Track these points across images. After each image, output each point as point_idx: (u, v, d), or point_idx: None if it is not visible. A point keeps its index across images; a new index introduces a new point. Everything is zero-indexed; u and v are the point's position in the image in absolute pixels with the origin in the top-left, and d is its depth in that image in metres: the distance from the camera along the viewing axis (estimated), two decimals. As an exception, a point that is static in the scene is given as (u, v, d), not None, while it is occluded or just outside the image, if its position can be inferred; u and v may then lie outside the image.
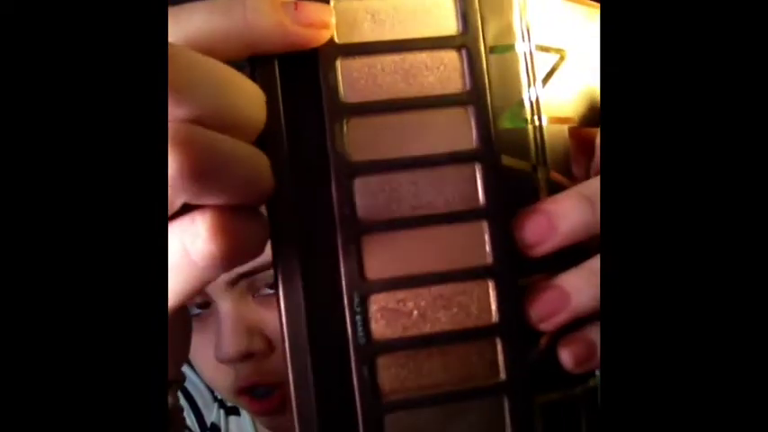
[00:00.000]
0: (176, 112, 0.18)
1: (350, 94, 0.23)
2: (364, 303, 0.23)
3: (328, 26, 0.22)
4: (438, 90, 0.23)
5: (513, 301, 0.23)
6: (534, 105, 0.24)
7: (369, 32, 0.23)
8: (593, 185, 0.23)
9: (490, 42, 0.24)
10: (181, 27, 0.20)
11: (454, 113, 0.23)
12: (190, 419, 0.71)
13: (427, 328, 0.23)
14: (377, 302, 0.23)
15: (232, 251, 0.19)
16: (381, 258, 0.23)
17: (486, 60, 0.24)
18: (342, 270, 0.22)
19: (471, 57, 0.23)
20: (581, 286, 0.22)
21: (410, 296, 0.23)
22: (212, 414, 0.73)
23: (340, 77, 0.23)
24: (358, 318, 0.22)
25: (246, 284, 0.50)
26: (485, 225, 0.23)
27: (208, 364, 0.54)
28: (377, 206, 0.23)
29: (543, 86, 0.25)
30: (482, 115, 0.23)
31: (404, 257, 0.23)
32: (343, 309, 0.22)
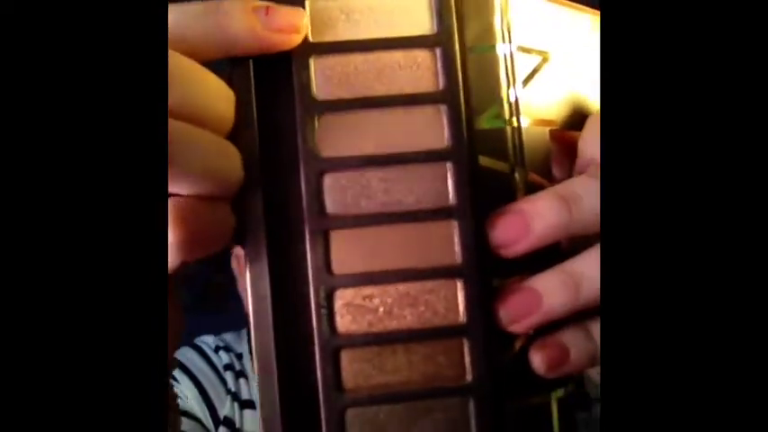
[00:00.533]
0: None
1: (322, 91, 0.23)
2: (330, 298, 0.23)
3: (299, 30, 0.22)
4: (411, 89, 0.23)
5: (482, 302, 0.23)
6: (513, 106, 0.24)
7: (343, 32, 0.23)
8: (571, 186, 0.23)
9: (470, 42, 0.24)
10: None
11: (427, 112, 0.23)
12: (202, 412, 0.72)
13: (393, 325, 0.23)
14: (343, 297, 0.23)
15: (191, 240, 0.20)
16: (349, 254, 0.23)
17: (465, 60, 0.24)
18: (309, 264, 0.23)
19: (445, 56, 0.23)
20: (554, 288, 0.22)
21: (377, 292, 0.23)
22: (225, 407, 0.73)
23: (313, 75, 0.23)
24: (323, 311, 0.23)
25: None
26: (454, 224, 0.23)
27: None
28: (346, 202, 0.23)
29: (524, 87, 0.24)
30: (455, 114, 0.23)
31: (372, 254, 0.23)
32: (309, 303, 0.23)
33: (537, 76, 0.25)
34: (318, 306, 0.23)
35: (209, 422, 0.72)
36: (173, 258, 0.20)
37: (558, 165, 0.26)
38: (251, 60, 0.23)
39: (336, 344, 0.23)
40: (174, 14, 0.21)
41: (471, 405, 0.23)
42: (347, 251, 0.23)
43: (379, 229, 0.23)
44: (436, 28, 0.23)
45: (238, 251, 0.73)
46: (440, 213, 0.23)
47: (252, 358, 0.74)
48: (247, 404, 0.74)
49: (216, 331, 0.81)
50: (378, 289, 0.23)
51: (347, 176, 0.23)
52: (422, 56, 0.23)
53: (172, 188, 0.19)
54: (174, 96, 0.19)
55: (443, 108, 0.23)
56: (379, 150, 0.23)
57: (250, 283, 0.23)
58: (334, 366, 0.23)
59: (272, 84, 0.23)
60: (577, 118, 0.26)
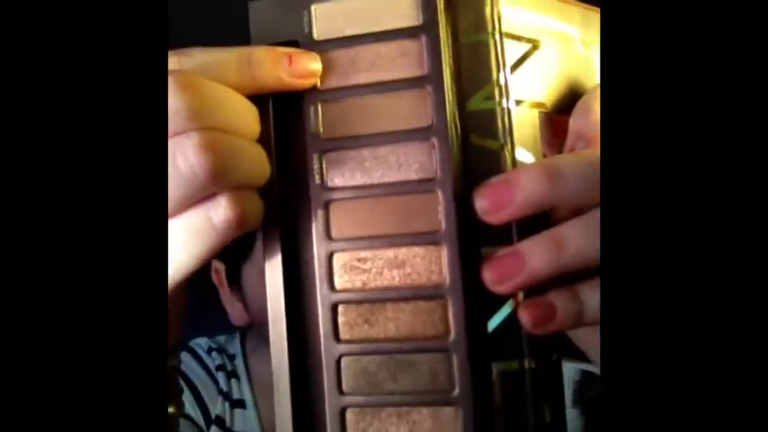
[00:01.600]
0: (204, 123, 0.23)
1: (324, 82, 0.26)
2: (330, 259, 0.26)
3: (317, 75, 0.26)
4: (402, 75, 0.26)
5: (464, 266, 0.24)
6: (503, 89, 0.26)
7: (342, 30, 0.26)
8: (556, 159, 0.24)
9: (462, 31, 0.26)
10: (196, 66, 0.24)
11: (415, 95, 0.26)
12: (194, 412, 0.72)
13: (383, 285, 0.25)
14: (341, 259, 0.25)
15: (243, 220, 0.24)
16: (346, 222, 0.26)
17: (457, 47, 0.26)
18: (313, 231, 0.26)
19: (430, 43, 0.25)
20: (536, 250, 0.24)
21: (369, 256, 0.25)
22: (217, 407, 0.74)
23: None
24: (323, 272, 0.25)
25: None
26: (438, 195, 0.25)
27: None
28: (344, 176, 0.26)
29: (512, 73, 0.26)
30: (439, 94, 0.25)
31: (366, 222, 0.25)
32: (313, 263, 0.26)
33: (526, 62, 0.27)
34: (320, 266, 0.25)
35: (200, 421, 0.72)
36: (228, 233, 0.24)
37: (548, 146, 0.27)
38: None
39: (334, 299, 0.25)
40: (208, 59, 0.24)
41: (454, 361, 0.24)
42: (345, 219, 0.25)
43: (373, 200, 0.25)
44: (422, 18, 0.26)
45: (217, 265, 0.76)
46: (425, 185, 0.25)
47: (243, 355, 0.77)
48: (238, 404, 0.75)
49: (210, 333, 0.82)
50: (370, 252, 0.25)
51: (345, 155, 0.26)
52: (410, 45, 0.26)
53: (230, 186, 0.23)
54: (225, 117, 0.24)
55: (429, 89, 0.25)
56: (373, 131, 0.26)
57: (264, 248, 0.26)
58: (333, 319, 0.25)
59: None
60: (566, 103, 0.27)
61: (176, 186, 0.22)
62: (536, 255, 0.23)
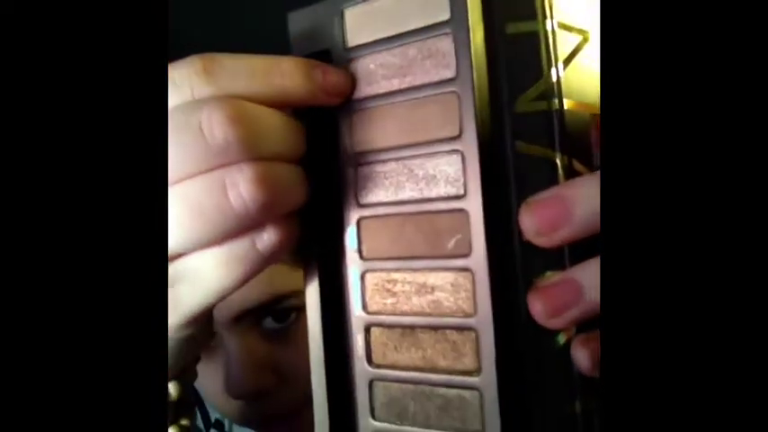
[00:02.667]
0: (256, 155, 0.22)
1: (356, 90, 0.24)
2: (363, 279, 0.24)
3: (347, 93, 0.24)
4: (429, 79, 0.23)
5: (499, 296, 0.22)
6: (555, 87, 0.22)
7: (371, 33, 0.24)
8: None
9: (506, 18, 0.22)
10: (230, 78, 0.22)
11: (443, 100, 0.22)
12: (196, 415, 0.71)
13: (412, 311, 0.23)
14: (372, 280, 0.24)
15: (287, 246, 0.23)
16: (377, 241, 0.24)
17: (493, 42, 0.22)
18: (345, 251, 0.24)
19: (459, 39, 0.22)
20: (595, 278, 0.20)
21: (399, 278, 0.23)
22: (217, 410, 0.72)
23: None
24: (358, 290, 0.24)
25: (252, 319, 0.49)
26: (468, 214, 0.22)
27: (217, 395, 0.53)
28: (376, 193, 0.24)
29: (564, 68, 0.23)
30: (467, 99, 0.22)
31: (396, 242, 0.23)
32: (346, 282, 0.24)
33: (577, 57, 0.23)
34: (353, 286, 0.24)
35: (200, 423, 0.71)
36: (271, 262, 0.23)
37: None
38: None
39: (366, 321, 0.24)
40: (239, 68, 0.22)
41: (485, 401, 0.22)
42: (375, 238, 0.24)
43: (403, 219, 0.23)
44: (449, 12, 0.22)
45: None
46: (454, 202, 0.22)
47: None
48: None
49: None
50: (400, 275, 0.23)
51: (376, 168, 0.24)
52: (437, 44, 0.23)
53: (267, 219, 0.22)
54: (272, 144, 0.22)
55: (457, 93, 0.22)
56: (403, 142, 0.23)
57: (304, 268, 0.25)
58: (366, 341, 0.24)
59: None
60: None
61: (223, 218, 0.21)
62: (595, 283, 0.20)
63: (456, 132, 0.22)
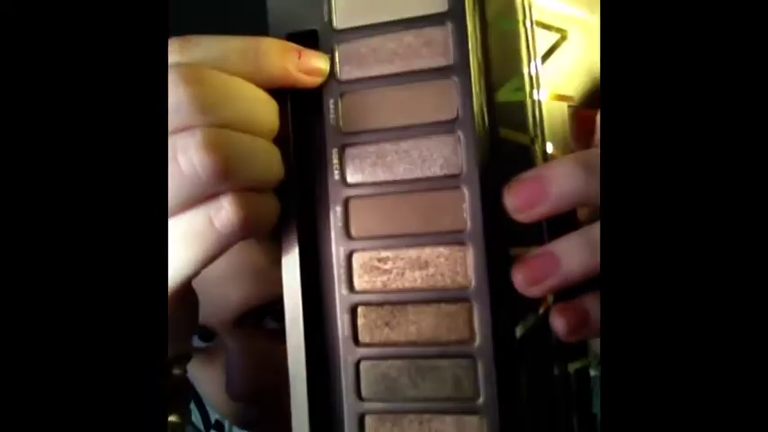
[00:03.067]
0: (209, 120, 0.21)
1: (344, 72, 0.25)
2: (349, 259, 0.24)
3: (325, 75, 0.24)
4: (427, 65, 0.24)
5: (491, 267, 0.23)
6: (534, 80, 0.24)
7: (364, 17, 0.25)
8: (590, 154, 0.23)
9: (491, 18, 0.24)
10: (203, 54, 0.22)
11: (440, 86, 0.24)
12: (195, 416, 0.71)
13: (405, 287, 0.23)
14: (360, 259, 0.24)
15: (247, 223, 0.22)
16: (367, 220, 0.24)
17: (485, 35, 0.24)
18: (331, 230, 0.24)
19: (456, 30, 0.24)
20: (571, 251, 0.22)
21: (391, 256, 0.24)
22: (217, 412, 0.72)
23: (337, 60, 0.25)
24: (342, 272, 0.24)
25: (252, 320, 0.48)
26: (464, 191, 0.23)
27: (217, 397, 0.52)
28: (364, 172, 0.24)
29: (543, 63, 0.25)
30: (465, 85, 0.23)
31: (387, 220, 0.24)
32: (331, 264, 0.24)
33: (555, 53, 0.25)
34: (339, 266, 0.24)
35: (199, 423, 0.71)
36: (232, 237, 0.22)
37: (577, 142, 0.26)
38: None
39: (353, 301, 0.24)
40: (214, 46, 0.23)
41: (479, 367, 0.23)
42: (365, 217, 0.24)
43: (395, 197, 0.24)
44: (447, 4, 0.24)
45: None
46: (450, 181, 0.23)
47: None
48: None
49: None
50: (392, 252, 0.24)
51: (366, 149, 0.24)
52: (435, 33, 0.24)
53: (236, 186, 0.22)
54: (237, 114, 0.22)
55: (454, 80, 0.24)
56: (396, 124, 0.24)
57: (281, 247, 0.24)
58: (352, 322, 0.24)
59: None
60: (594, 96, 0.26)
61: (177, 186, 0.21)
62: (570, 255, 0.22)
63: (453, 115, 0.23)
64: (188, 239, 0.22)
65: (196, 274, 0.23)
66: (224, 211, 0.22)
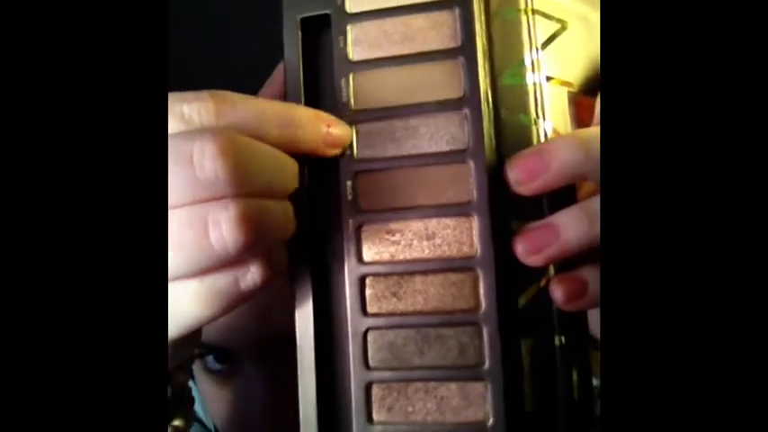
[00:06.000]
0: (242, 191, 0.20)
1: (356, 53, 0.25)
2: (358, 231, 0.24)
3: (346, 147, 0.24)
4: (436, 47, 0.24)
5: (494, 237, 0.23)
6: (534, 65, 0.25)
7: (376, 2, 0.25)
8: (589, 132, 0.23)
9: (494, 7, 0.25)
10: (240, 119, 0.22)
11: (447, 66, 0.24)
12: (206, 417, 0.70)
13: (412, 257, 0.23)
14: (370, 231, 0.24)
15: (269, 281, 0.22)
16: (376, 193, 0.24)
17: (489, 21, 0.25)
18: (342, 202, 0.24)
19: (463, 15, 0.24)
20: (570, 222, 0.22)
21: (399, 227, 0.24)
22: None
23: (350, 41, 0.25)
24: (351, 243, 0.24)
25: (277, 347, 0.43)
26: (470, 165, 0.23)
27: (224, 419, 0.47)
28: (374, 147, 0.24)
29: (543, 50, 0.25)
30: (471, 65, 0.24)
31: (396, 193, 0.24)
32: (342, 235, 0.24)
33: (556, 41, 0.26)
34: (349, 237, 0.24)
35: (210, 423, 0.70)
36: (252, 298, 0.22)
37: (576, 125, 0.26)
38: None
39: (362, 272, 0.24)
40: (251, 111, 0.22)
41: (484, 334, 0.23)
42: (374, 191, 0.24)
43: (403, 171, 0.24)
44: None
45: None
46: (456, 156, 0.24)
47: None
48: None
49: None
50: (400, 224, 0.24)
51: (375, 126, 0.24)
52: (443, 17, 0.25)
53: (257, 253, 0.21)
54: (261, 180, 0.21)
55: (461, 60, 0.24)
56: (405, 102, 0.24)
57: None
58: (360, 292, 0.24)
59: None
60: (592, 84, 0.26)
61: (203, 255, 0.20)
62: (569, 226, 0.22)
63: (460, 94, 0.24)
64: (207, 296, 0.21)
65: (209, 323, 0.22)
66: (250, 275, 0.21)
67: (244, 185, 0.20)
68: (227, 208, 0.20)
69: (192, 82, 0.25)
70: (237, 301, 0.21)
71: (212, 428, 0.69)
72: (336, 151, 0.24)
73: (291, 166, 0.23)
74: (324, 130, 0.23)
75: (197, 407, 0.69)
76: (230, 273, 0.21)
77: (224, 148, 0.20)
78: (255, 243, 0.20)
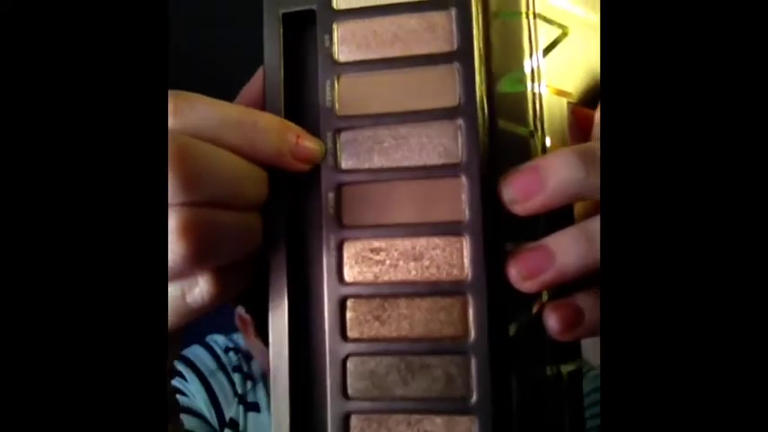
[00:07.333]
0: (188, 199, 0.19)
1: (344, 53, 0.23)
2: (340, 249, 0.22)
3: (317, 163, 0.22)
4: (429, 51, 0.22)
5: (488, 260, 0.21)
6: (535, 73, 0.23)
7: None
8: (588, 147, 0.21)
9: (495, 8, 0.23)
10: (197, 120, 0.20)
11: (441, 72, 0.22)
12: (208, 412, 0.70)
13: (398, 279, 0.21)
14: (352, 248, 0.22)
15: (219, 299, 0.21)
16: (360, 208, 0.22)
17: (487, 24, 0.23)
18: (322, 216, 0.22)
19: (460, 17, 0.22)
20: (566, 246, 0.20)
21: (384, 246, 0.22)
22: (232, 409, 0.71)
23: (336, 39, 0.23)
24: (333, 262, 0.22)
25: None
26: (463, 181, 0.21)
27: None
28: (359, 158, 0.22)
29: (544, 57, 0.23)
30: (468, 73, 0.22)
31: (381, 208, 0.22)
32: (321, 253, 0.22)
33: (557, 48, 0.23)
34: (329, 256, 0.22)
35: (214, 421, 0.70)
36: (200, 315, 0.20)
37: (574, 138, 0.24)
38: None
39: (343, 293, 0.22)
40: (210, 113, 0.20)
41: (473, 364, 0.21)
42: (358, 205, 0.22)
43: (390, 185, 0.22)
44: None
45: (242, 313, 0.69)
46: (449, 170, 0.21)
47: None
48: (253, 407, 0.72)
49: (227, 331, 0.79)
50: (385, 242, 0.22)
51: (361, 134, 0.22)
52: (438, 18, 0.22)
53: (206, 266, 0.20)
54: (211, 188, 0.20)
55: (457, 66, 0.22)
56: (394, 109, 0.22)
57: (267, 232, 0.22)
58: (341, 315, 0.22)
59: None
60: (592, 95, 0.24)
61: None
62: (566, 250, 0.20)
63: (455, 102, 0.22)
64: None
65: None
66: (197, 289, 0.20)
67: (193, 193, 0.19)
68: (171, 217, 0.19)
69: (193, 82, 0.24)
70: (184, 315, 0.20)
71: (215, 424, 0.69)
72: (305, 167, 0.22)
73: (255, 176, 0.21)
74: (291, 140, 0.21)
75: (200, 403, 0.68)
76: (176, 285, 0.20)
77: (173, 151, 0.18)
78: (198, 254, 0.19)
